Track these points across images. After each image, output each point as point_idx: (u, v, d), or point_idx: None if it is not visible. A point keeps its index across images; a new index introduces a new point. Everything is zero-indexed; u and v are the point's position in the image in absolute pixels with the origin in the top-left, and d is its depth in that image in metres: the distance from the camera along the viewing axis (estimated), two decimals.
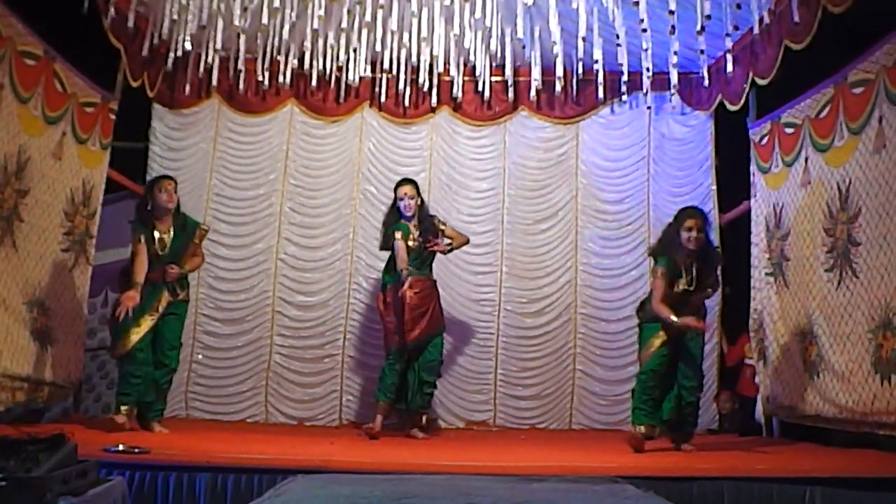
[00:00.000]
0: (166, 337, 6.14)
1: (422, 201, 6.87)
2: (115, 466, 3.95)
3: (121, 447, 4.49)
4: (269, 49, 7.50)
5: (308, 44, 7.40)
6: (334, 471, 4.06)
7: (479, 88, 8.07)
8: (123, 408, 5.92)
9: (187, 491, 3.98)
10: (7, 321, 5.88)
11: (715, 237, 8.12)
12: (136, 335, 5.94)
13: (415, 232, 6.72)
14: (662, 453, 5.61)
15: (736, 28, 6.65)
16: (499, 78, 8.12)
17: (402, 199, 6.73)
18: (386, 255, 6.89)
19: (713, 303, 8.05)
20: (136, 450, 4.48)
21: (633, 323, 7.92)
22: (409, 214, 6.73)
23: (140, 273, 5.90)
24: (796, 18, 5.93)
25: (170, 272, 6.08)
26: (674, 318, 5.55)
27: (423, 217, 6.82)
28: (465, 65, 7.86)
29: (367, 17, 6.78)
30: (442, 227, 6.87)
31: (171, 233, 6.16)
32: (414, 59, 7.57)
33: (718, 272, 6.06)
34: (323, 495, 3.15)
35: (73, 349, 6.83)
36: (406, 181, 6.91)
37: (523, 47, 7.34)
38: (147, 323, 6.00)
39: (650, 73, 7.67)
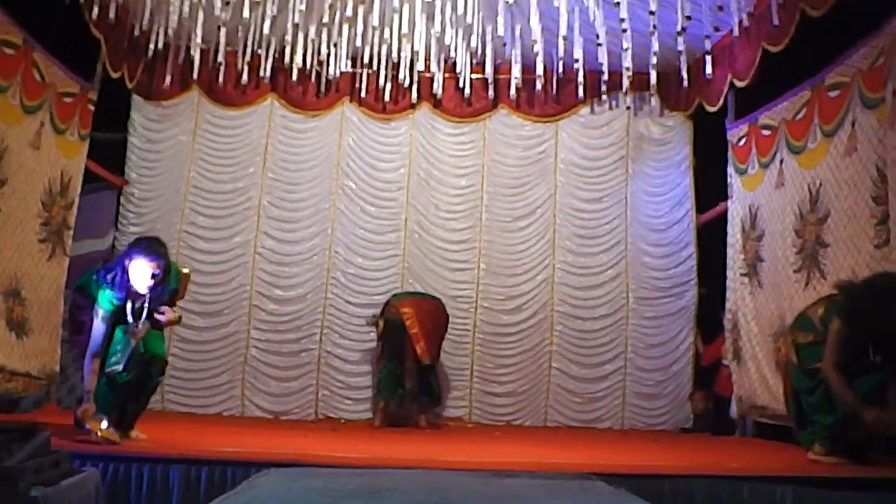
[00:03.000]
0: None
1: None
2: (88, 457, 3.94)
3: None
4: (249, 42, 7.47)
5: (289, 38, 7.38)
6: (308, 464, 4.07)
7: (460, 85, 8.07)
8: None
9: (161, 483, 3.97)
10: None
11: (693, 237, 8.24)
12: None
13: None
14: (636, 451, 5.63)
15: (716, 30, 6.71)
16: (479, 75, 8.13)
17: None
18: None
19: (689, 303, 8.16)
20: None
21: (608, 322, 8.11)
22: None
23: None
24: (776, 21, 5.98)
25: (168, 320, 4.90)
26: (850, 397, 4.56)
27: None
28: (446, 61, 7.88)
29: (349, 13, 6.77)
30: None
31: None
32: (395, 55, 7.55)
33: None
34: (296, 488, 3.14)
35: (48, 340, 6.79)
36: None
37: (504, 45, 7.34)
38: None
39: (630, 73, 7.70)
